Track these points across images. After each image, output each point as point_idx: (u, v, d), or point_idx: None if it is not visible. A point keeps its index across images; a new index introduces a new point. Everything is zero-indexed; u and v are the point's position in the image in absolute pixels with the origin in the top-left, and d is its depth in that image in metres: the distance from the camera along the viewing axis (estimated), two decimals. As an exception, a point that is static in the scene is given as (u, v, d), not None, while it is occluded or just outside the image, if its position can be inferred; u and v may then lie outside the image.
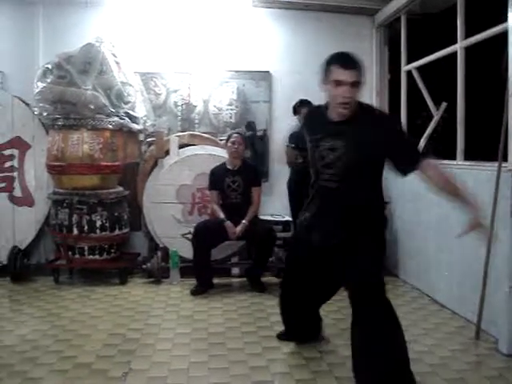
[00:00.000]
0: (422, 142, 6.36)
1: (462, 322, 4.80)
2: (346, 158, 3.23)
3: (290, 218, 6.73)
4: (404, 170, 3.22)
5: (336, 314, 4.91)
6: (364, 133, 3.17)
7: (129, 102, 6.25)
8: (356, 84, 3.13)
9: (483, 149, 5.34)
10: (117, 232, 6.23)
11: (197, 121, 7.09)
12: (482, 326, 4.39)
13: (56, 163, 6.10)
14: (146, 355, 4.08)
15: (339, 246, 3.38)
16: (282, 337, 4.35)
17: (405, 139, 3.31)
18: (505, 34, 4.26)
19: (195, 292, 5.73)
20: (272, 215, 6.83)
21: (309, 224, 3.59)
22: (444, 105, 6.08)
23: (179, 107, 7.07)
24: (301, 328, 4.21)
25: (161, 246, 6.42)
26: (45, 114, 6.10)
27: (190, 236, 5.99)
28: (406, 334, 4.46)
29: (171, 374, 3.74)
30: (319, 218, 3.51)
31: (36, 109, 6.19)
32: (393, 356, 3.22)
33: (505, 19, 4.24)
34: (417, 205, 5.93)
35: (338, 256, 3.41)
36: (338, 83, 3.12)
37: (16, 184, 6.56)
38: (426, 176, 3.14)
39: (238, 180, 5.94)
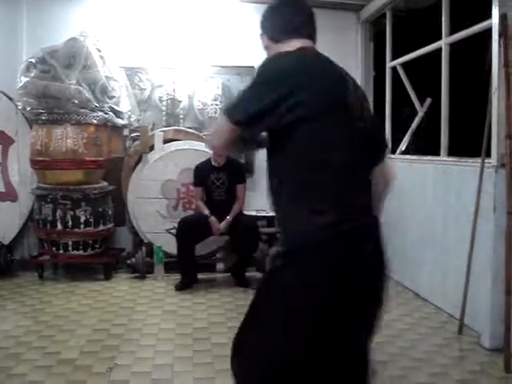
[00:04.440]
0: (407, 138, 6.40)
1: (446, 316, 4.84)
2: None
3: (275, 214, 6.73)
4: None
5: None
6: None
7: (113, 97, 6.21)
8: None
9: (467, 145, 5.38)
10: (101, 227, 6.21)
11: (182, 116, 7.07)
12: (464, 320, 4.43)
13: (40, 158, 6.06)
14: (131, 350, 4.08)
15: None
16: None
17: None
18: (489, 30, 4.29)
19: (180, 287, 5.74)
20: (257, 210, 6.82)
21: None
22: (428, 101, 6.11)
23: (164, 102, 7.04)
24: None
25: (145, 241, 6.40)
26: (28, 108, 6.06)
27: (174, 231, 5.99)
28: (390, 329, 4.54)
29: (155, 369, 3.74)
30: None
31: (19, 103, 6.16)
32: None
33: (489, 16, 4.26)
34: (400, 201, 5.96)
35: None
36: None
37: (-1, 179, 6.52)
38: None
39: (222, 177, 5.94)
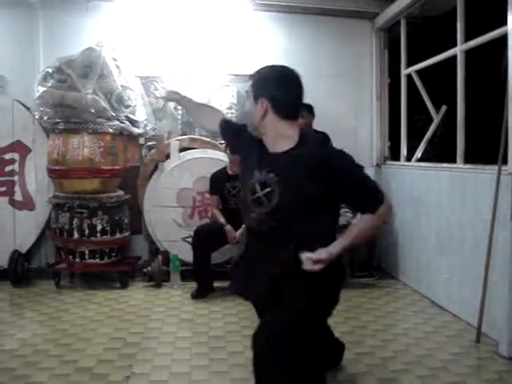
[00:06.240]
0: (422, 145, 6.38)
1: (463, 325, 4.80)
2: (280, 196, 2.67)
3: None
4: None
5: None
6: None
7: (129, 106, 6.25)
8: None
9: (483, 152, 5.34)
10: (117, 236, 6.23)
11: (197, 124, 7.08)
12: (482, 329, 4.39)
13: (56, 167, 6.11)
14: (147, 359, 4.08)
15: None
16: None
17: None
18: (504, 37, 4.27)
19: (196, 296, 5.74)
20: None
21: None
22: (444, 108, 6.09)
23: (179, 111, 7.07)
24: None
25: (161, 249, 6.42)
26: (45, 117, 6.11)
27: (190, 240, 6.00)
28: (407, 337, 4.51)
29: (172, 378, 3.75)
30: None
31: (36, 113, 6.21)
32: None
33: (504, 22, 4.24)
34: (417, 208, 5.94)
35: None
36: None
37: (17, 188, 6.55)
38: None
39: (238, 185, 5.94)
